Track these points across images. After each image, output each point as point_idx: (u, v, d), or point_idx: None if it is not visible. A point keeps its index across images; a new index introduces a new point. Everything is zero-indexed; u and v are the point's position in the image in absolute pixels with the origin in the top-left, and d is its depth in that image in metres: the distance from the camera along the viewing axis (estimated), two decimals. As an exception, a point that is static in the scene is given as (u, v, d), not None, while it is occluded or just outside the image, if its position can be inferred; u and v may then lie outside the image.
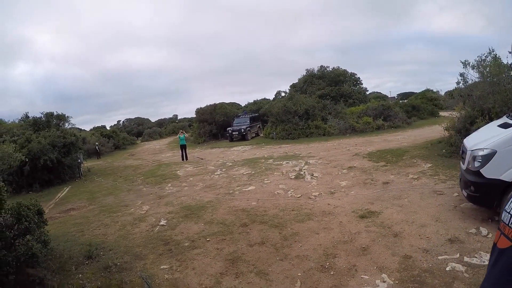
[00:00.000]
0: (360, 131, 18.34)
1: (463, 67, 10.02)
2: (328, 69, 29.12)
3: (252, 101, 35.98)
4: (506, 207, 0.95)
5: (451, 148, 9.57)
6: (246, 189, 8.22)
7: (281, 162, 11.46)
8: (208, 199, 7.72)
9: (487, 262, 3.67)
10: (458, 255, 3.89)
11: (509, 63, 8.95)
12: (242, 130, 22.23)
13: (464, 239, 4.29)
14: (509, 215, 0.91)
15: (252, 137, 23.31)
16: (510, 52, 6.74)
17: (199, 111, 26.60)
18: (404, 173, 8.11)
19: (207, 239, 5.30)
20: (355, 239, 4.66)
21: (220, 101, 30.03)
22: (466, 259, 3.81)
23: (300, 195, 7.13)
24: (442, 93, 20.02)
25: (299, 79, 29.92)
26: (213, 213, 6.61)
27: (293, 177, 8.95)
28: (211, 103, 27.13)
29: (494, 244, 0.97)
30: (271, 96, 37.23)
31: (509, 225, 0.89)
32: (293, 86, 30.10)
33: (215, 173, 11.05)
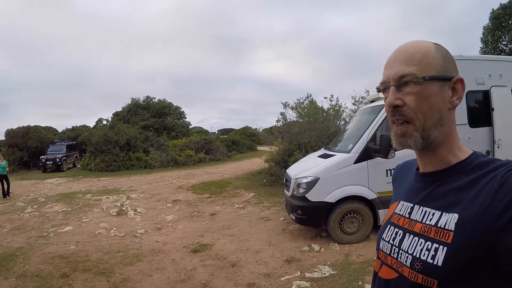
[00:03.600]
0: (182, 164, 18.61)
1: (283, 108, 11.64)
2: (154, 100, 29.34)
3: (70, 127, 32.15)
4: (384, 235, 0.91)
5: (272, 178, 10.70)
6: (63, 230, 6.70)
7: (101, 197, 10.15)
8: (18, 245, 5.88)
9: (327, 274, 3.99)
10: (299, 273, 4.11)
11: (323, 106, 11.03)
12: (58, 159, 19.14)
13: (300, 257, 4.61)
14: (389, 244, 0.88)
15: (69, 168, 20.45)
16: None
17: (9, 133, 21.73)
18: (230, 203, 8.44)
19: (21, 300, 3.93)
20: (192, 276, 4.32)
21: (36, 124, 24.95)
22: (307, 274, 4.06)
23: (124, 233, 6.29)
24: (261, 130, 22.67)
25: (123, 108, 28.83)
26: (25, 263, 5.02)
27: (114, 213, 7.94)
28: (24, 125, 22.46)
29: (376, 274, 0.93)
30: (92, 123, 34.16)
31: (391, 255, 0.86)
32: (116, 114, 28.60)
33: (25, 211, 8.72)
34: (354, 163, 5.12)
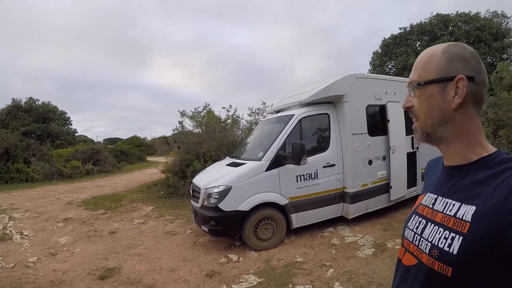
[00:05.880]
0: (69, 176, 16.51)
1: (181, 116, 11.29)
2: (37, 103, 25.70)
3: None
4: (409, 224, 1.00)
5: (169, 189, 10.22)
6: None
7: (-21, 219, 8.07)
8: None
9: (255, 283, 3.95)
10: (225, 287, 3.93)
11: (220, 116, 11.08)
12: None
13: (220, 270, 4.42)
14: (412, 232, 0.95)
15: None
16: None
17: None
18: (128, 218, 7.71)
19: None
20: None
21: None
22: (234, 286, 3.90)
23: (13, 264, 5.05)
24: (149, 139, 21.74)
25: (2, 110, 24.30)
26: None
27: (-3, 239, 6.38)
28: None
29: (399, 261, 1.00)
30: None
31: (413, 242, 0.93)
32: (-6, 117, 24.00)
33: None
34: (265, 171, 5.21)
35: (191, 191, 6.05)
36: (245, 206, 5.01)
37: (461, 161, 0.88)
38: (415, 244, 0.91)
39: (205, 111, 11.38)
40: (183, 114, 11.31)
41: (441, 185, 0.93)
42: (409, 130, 6.67)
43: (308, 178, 5.45)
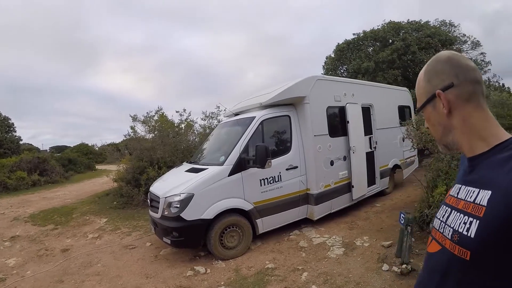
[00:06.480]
0: (14, 189, 14.96)
1: (132, 121, 10.73)
2: None
3: None
4: (438, 214, 1.05)
5: (123, 199, 9.68)
6: None
7: None
8: None
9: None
10: (195, 304, 3.67)
11: (174, 120, 10.74)
12: None
13: (188, 285, 4.18)
14: (439, 221, 1.01)
15: None
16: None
17: None
18: (82, 233, 7.13)
19: None
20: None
21: None
22: (206, 302, 3.67)
23: None
24: (98, 147, 20.63)
25: None
26: None
27: None
28: None
29: (426, 250, 1.05)
30: None
31: (439, 230, 0.98)
32: None
33: None
34: (228, 176, 5.05)
35: (148, 200, 5.70)
36: (209, 214, 4.80)
37: (476, 152, 0.93)
38: (440, 232, 0.97)
39: (157, 115, 10.93)
40: (134, 119, 10.76)
41: (465, 175, 0.98)
42: (367, 131, 6.88)
43: (272, 182, 5.37)
